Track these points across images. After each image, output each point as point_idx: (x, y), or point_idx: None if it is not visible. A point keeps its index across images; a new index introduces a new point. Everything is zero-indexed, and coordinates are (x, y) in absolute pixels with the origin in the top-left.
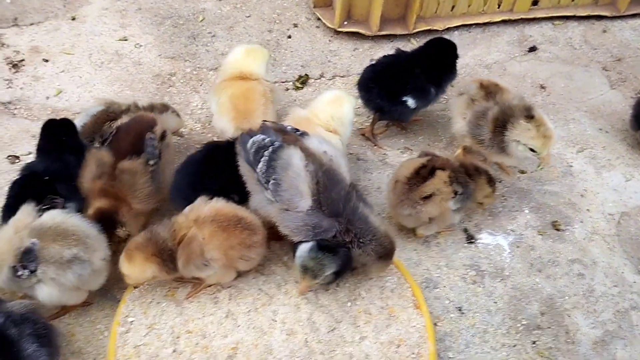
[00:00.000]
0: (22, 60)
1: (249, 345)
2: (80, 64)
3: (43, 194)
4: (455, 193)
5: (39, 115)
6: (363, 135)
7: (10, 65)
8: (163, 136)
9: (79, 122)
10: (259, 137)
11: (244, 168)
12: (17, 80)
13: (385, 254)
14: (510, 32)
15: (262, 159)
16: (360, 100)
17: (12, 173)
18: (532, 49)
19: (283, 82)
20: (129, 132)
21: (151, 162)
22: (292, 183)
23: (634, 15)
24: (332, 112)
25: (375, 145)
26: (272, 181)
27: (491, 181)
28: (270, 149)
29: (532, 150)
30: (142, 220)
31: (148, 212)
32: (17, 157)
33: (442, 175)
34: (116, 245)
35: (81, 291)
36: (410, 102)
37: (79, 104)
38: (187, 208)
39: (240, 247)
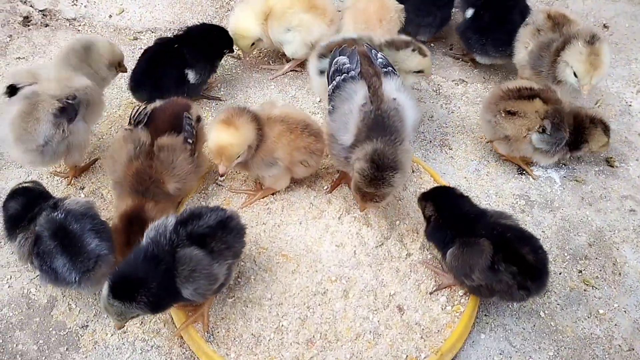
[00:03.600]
0: None
1: (300, 253)
2: None
3: None
4: (543, 130)
5: (102, 32)
6: None
7: None
8: (198, 119)
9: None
10: (343, 59)
11: (326, 77)
12: None
13: None
14: None
15: (333, 82)
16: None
17: None
18: None
19: None
20: (165, 112)
21: (189, 141)
22: (344, 117)
23: None
24: None
25: None
26: (330, 106)
27: (607, 130)
28: (342, 77)
29: (575, 76)
30: (171, 209)
31: (184, 193)
32: None
33: (539, 104)
34: None
35: None
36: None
37: (140, 24)
38: (259, 106)
39: (304, 150)
